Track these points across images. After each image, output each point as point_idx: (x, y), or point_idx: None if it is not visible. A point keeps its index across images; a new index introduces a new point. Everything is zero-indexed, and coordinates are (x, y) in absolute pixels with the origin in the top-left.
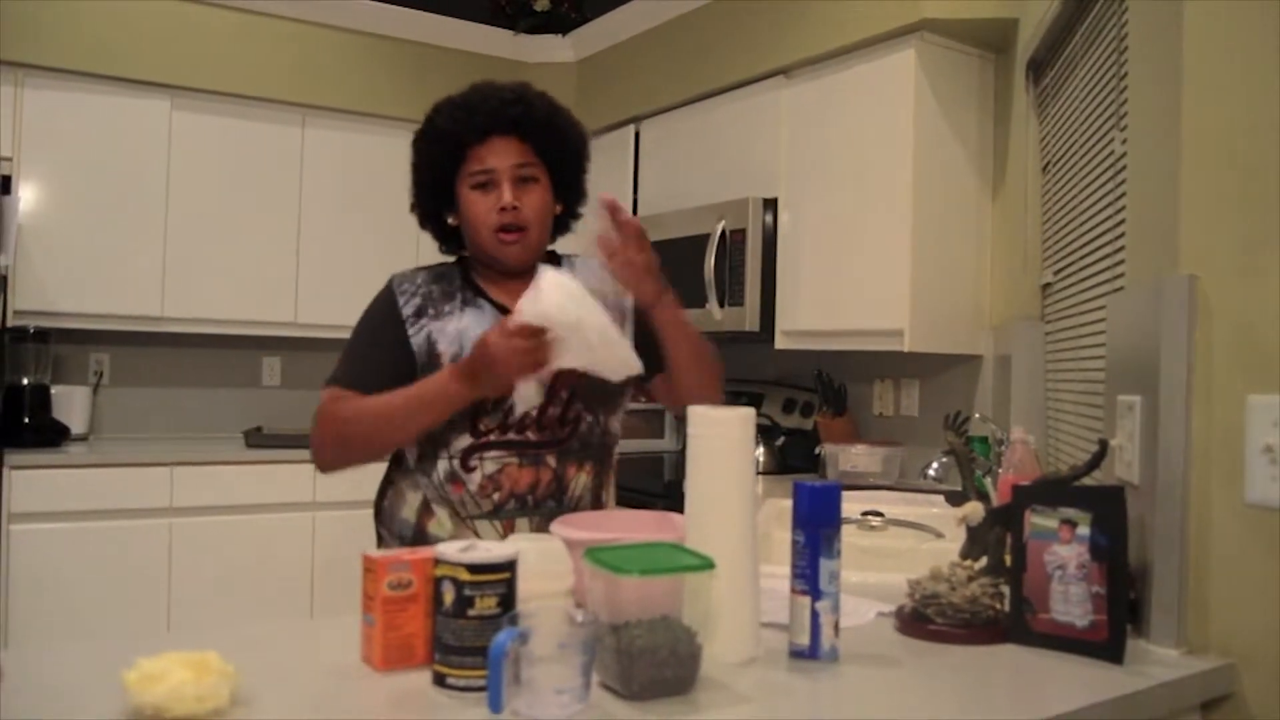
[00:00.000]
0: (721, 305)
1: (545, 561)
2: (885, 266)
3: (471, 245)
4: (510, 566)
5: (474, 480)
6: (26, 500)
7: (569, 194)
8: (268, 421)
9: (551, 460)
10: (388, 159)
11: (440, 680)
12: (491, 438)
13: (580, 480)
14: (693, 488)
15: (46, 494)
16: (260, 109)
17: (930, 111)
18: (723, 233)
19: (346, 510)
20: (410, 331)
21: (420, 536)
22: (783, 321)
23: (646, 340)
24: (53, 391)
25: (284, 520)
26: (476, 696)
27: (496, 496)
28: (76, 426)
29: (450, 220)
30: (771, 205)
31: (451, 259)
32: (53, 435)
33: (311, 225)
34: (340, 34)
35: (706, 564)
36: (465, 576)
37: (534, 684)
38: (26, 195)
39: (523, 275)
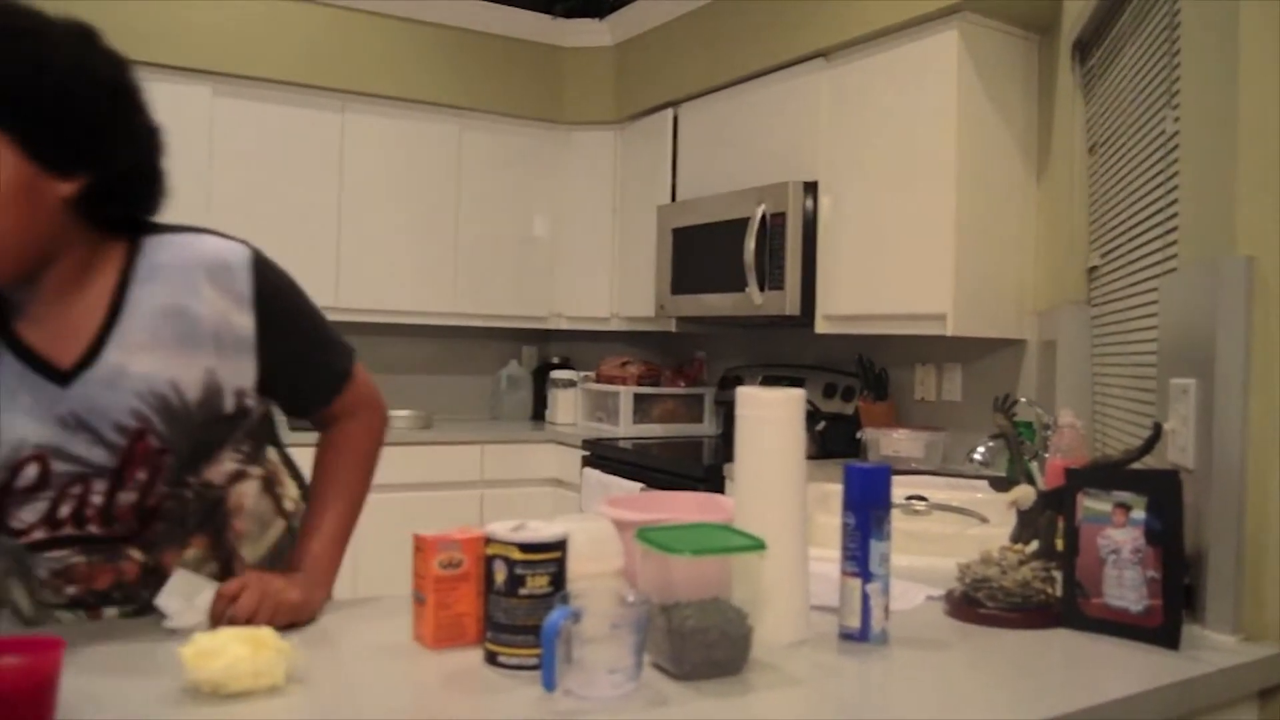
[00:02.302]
0: (761, 289)
1: (594, 543)
2: (928, 250)
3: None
4: (561, 546)
5: (39, 573)
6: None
7: (80, 162)
8: None
9: (135, 553)
10: (427, 144)
11: (492, 658)
12: (36, 535)
13: (188, 556)
14: (741, 469)
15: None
16: (300, 95)
17: (973, 93)
18: (763, 216)
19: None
20: None
21: (12, 611)
22: (824, 306)
23: (283, 381)
24: None
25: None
26: (528, 675)
27: (72, 590)
28: None
29: None
30: (812, 189)
31: None
32: None
33: (351, 211)
34: (380, 19)
35: (757, 544)
36: (517, 555)
37: (586, 663)
38: None
39: (62, 295)
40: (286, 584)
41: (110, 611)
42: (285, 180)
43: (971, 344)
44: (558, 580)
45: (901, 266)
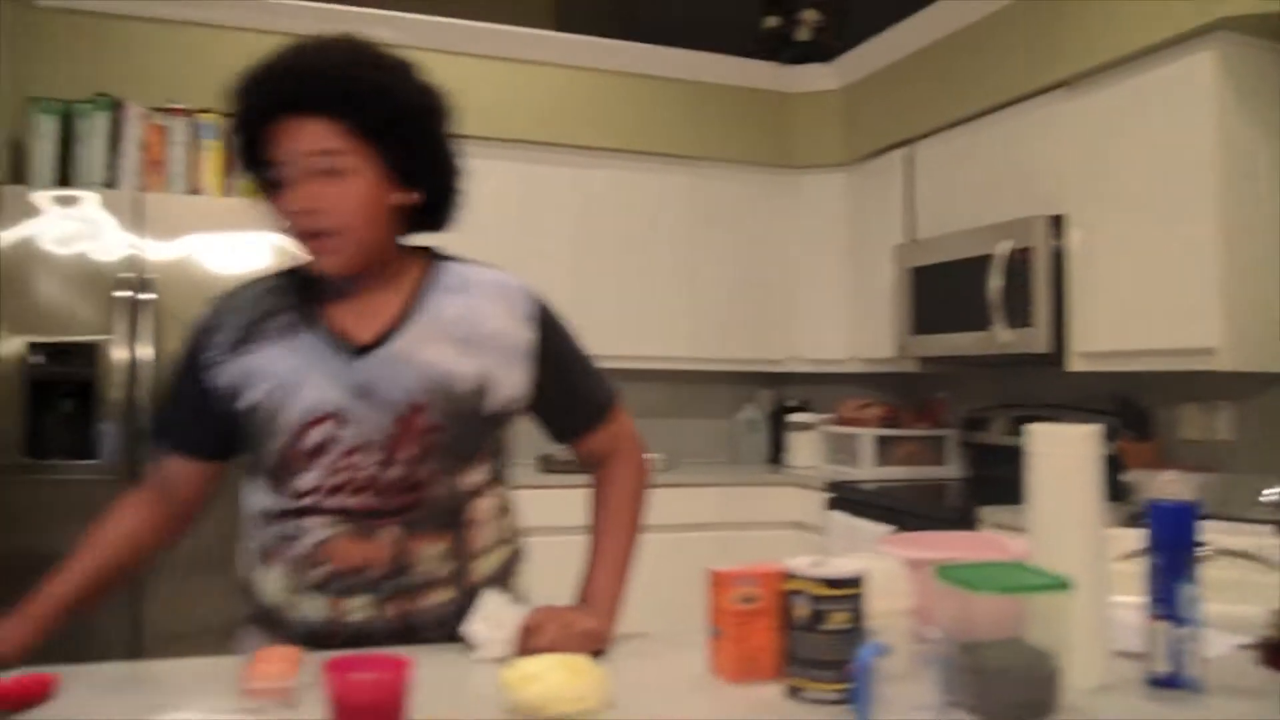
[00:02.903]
0: (1008, 327)
1: (886, 579)
2: (1192, 282)
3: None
4: (862, 581)
5: (297, 547)
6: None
7: (421, 177)
8: (558, 449)
9: (391, 533)
10: (662, 195)
11: (794, 693)
12: (311, 502)
13: (431, 553)
14: (1037, 507)
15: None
16: (542, 152)
17: (1234, 114)
18: (1008, 252)
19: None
20: (212, 374)
21: (252, 596)
22: (1079, 343)
23: (552, 398)
24: None
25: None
26: (830, 711)
27: (321, 571)
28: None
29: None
30: (1057, 222)
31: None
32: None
33: (591, 261)
34: (614, 77)
35: (1061, 584)
36: (819, 591)
37: (896, 699)
38: None
39: (371, 285)
40: (582, 615)
41: (353, 603)
42: (528, 233)
43: (1244, 379)
44: (858, 615)
45: (1164, 300)
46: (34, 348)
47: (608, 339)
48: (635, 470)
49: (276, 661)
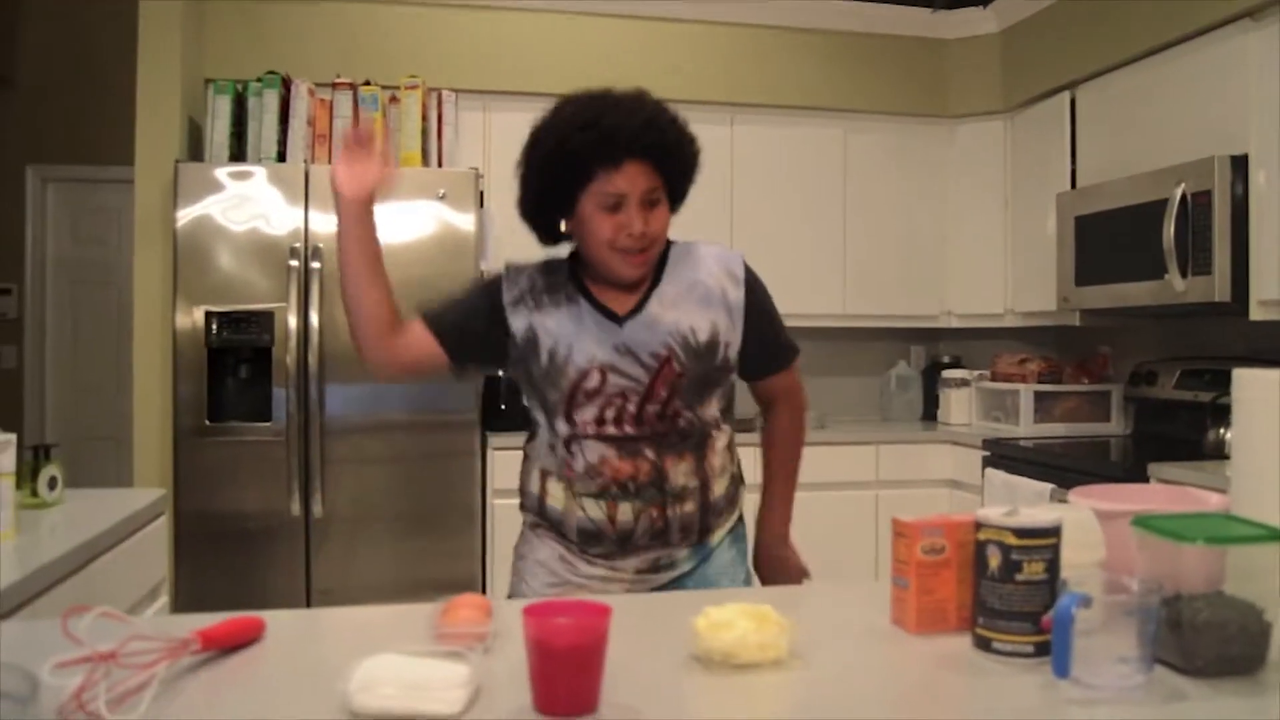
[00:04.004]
0: (1184, 276)
1: (1077, 530)
2: None
3: (586, 253)
4: (1056, 532)
5: (578, 464)
6: (505, 478)
7: (679, 202)
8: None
9: (650, 452)
10: (813, 149)
11: (985, 644)
12: (589, 429)
13: (680, 469)
14: (1242, 456)
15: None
16: (692, 111)
17: None
18: (1183, 197)
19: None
20: (509, 313)
21: (540, 506)
22: (1259, 290)
23: (752, 345)
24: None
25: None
26: (1023, 662)
27: (599, 481)
28: None
29: (564, 226)
30: (1241, 163)
31: (563, 253)
32: (524, 420)
33: (741, 219)
34: (762, 30)
35: (1278, 535)
36: (1013, 541)
37: (1093, 652)
38: (495, 207)
39: (632, 284)
40: (789, 553)
41: (623, 507)
42: None
43: None
44: (1053, 567)
45: None
46: (211, 316)
47: (787, 297)
48: (800, 420)
49: (469, 609)
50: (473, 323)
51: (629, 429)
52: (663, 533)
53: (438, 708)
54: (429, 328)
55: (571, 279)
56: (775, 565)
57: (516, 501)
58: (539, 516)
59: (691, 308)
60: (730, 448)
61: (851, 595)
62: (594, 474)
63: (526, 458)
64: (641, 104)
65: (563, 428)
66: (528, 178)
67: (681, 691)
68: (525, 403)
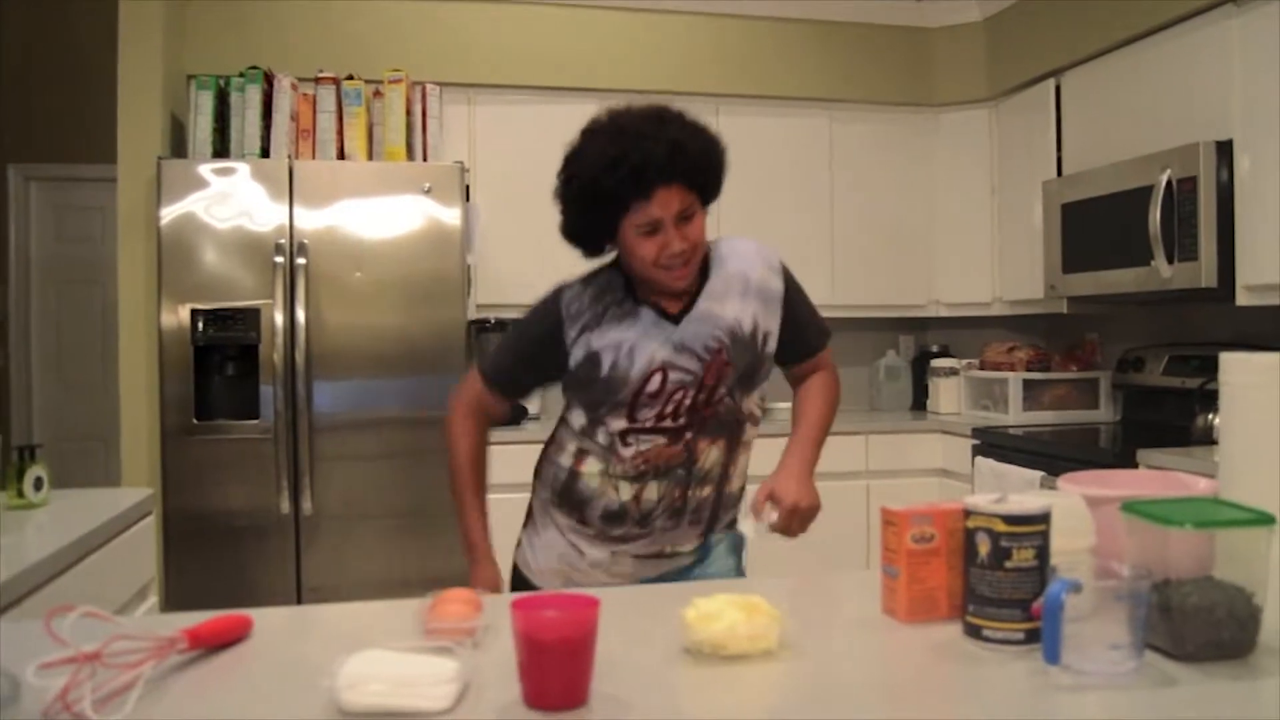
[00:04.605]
0: (1170, 261)
1: (1066, 517)
2: None
3: (633, 271)
4: (1046, 518)
5: (628, 453)
6: (495, 473)
7: (713, 198)
8: None
9: (689, 434)
10: (798, 139)
11: (975, 632)
12: (648, 424)
13: (711, 454)
14: (1230, 440)
15: (514, 467)
16: (679, 102)
17: None
18: (1168, 183)
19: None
20: (570, 344)
21: (571, 481)
22: (1246, 275)
23: (788, 332)
24: None
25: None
26: (1014, 649)
27: (641, 466)
28: (533, 407)
29: (608, 247)
30: (1226, 149)
31: (607, 261)
32: (516, 415)
33: (728, 209)
34: (746, 22)
35: (1267, 519)
36: (1001, 528)
37: (1084, 638)
38: (481, 200)
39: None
40: (804, 492)
41: (652, 486)
42: None
43: None
44: (1043, 553)
45: None
46: (197, 314)
47: None
48: (834, 381)
49: (458, 603)
50: (534, 361)
51: (682, 420)
52: (679, 513)
53: (426, 703)
54: (492, 390)
55: (628, 292)
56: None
57: (507, 496)
58: (561, 496)
59: (736, 300)
60: (750, 448)
61: (842, 585)
62: (642, 460)
63: (557, 435)
64: (663, 127)
65: (620, 424)
66: (566, 210)
67: (672, 683)
68: (564, 396)
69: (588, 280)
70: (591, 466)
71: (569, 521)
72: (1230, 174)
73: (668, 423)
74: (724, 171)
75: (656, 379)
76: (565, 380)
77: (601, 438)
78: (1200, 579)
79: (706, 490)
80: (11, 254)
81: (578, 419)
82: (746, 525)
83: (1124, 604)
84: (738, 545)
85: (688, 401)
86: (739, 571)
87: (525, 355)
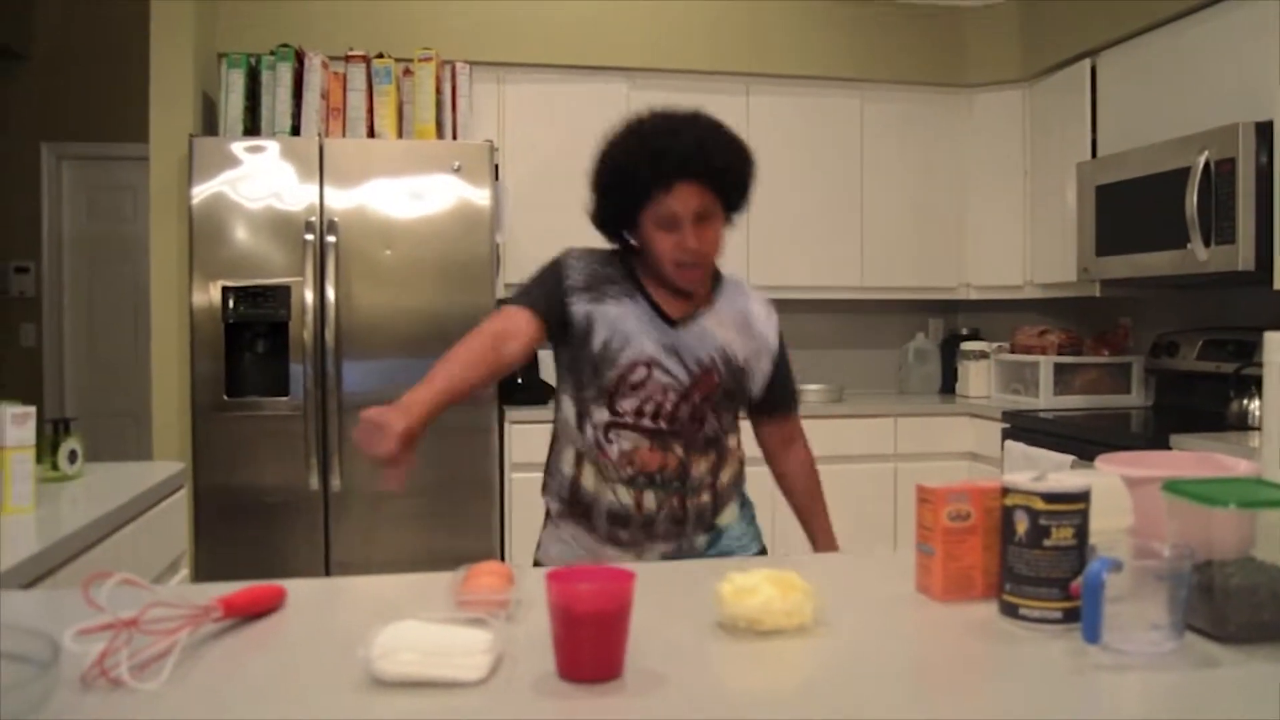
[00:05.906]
0: (1206, 244)
1: (1105, 496)
2: None
3: (650, 262)
4: (1085, 497)
5: (613, 451)
6: (523, 451)
7: (734, 214)
8: None
9: (678, 448)
10: (829, 119)
11: (1012, 611)
12: (628, 419)
13: (702, 465)
14: (1272, 418)
15: (539, 445)
16: (708, 81)
17: None
18: (1206, 165)
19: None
20: (570, 300)
21: (574, 488)
22: None
23: (768, 387)
24: (539, 354)
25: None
26: (1051, 628)
27: (629, 470)
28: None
29: (630, 238)
30: (1266, 130)
31: (612, 249)
32: (541, 394)
33: (759, 189)
34: (778, 1)
35: None
36: (1041, 506)
37: (1124, 617)
38: (510, 179)
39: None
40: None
41: (649, 495)
42: None
43: None
44: (1082, 532)
45: None
46: (228, 291)
47: (774, 269)
48: (810, 458)
49: (490, 576)
50: (550, 296)
51: (663, 424)
52: (681, 521)
53: (461, 674)
54: (524, 306)
55: (629, 277)
56: None
57: (534, 475)
58: (568, 503)
59: (734, 331)
60: (741, 464)
61: (874, 564)
62: (627, 461)
63: (556, 440)
64: (694, 126)
65: (602, 415)
66: (595, 194)
67: (706, 657)
68: (557, 388)
69: (589, 253)
70: (589, 471)
71: (578, 530)
72: (1270, 156)
73: (647, 421)
74: (750, 182)
75: (641, 370)
76: (566, 338)
77: (589, 433)
78: (1243, 559)
79: (704, 496)
80: (44, 232)
81: (569, 409)
82: None
83: (1164, 584)
84: (744, 504)
85: (669, 406)
86: (753, 529)
87: (538, 294)
